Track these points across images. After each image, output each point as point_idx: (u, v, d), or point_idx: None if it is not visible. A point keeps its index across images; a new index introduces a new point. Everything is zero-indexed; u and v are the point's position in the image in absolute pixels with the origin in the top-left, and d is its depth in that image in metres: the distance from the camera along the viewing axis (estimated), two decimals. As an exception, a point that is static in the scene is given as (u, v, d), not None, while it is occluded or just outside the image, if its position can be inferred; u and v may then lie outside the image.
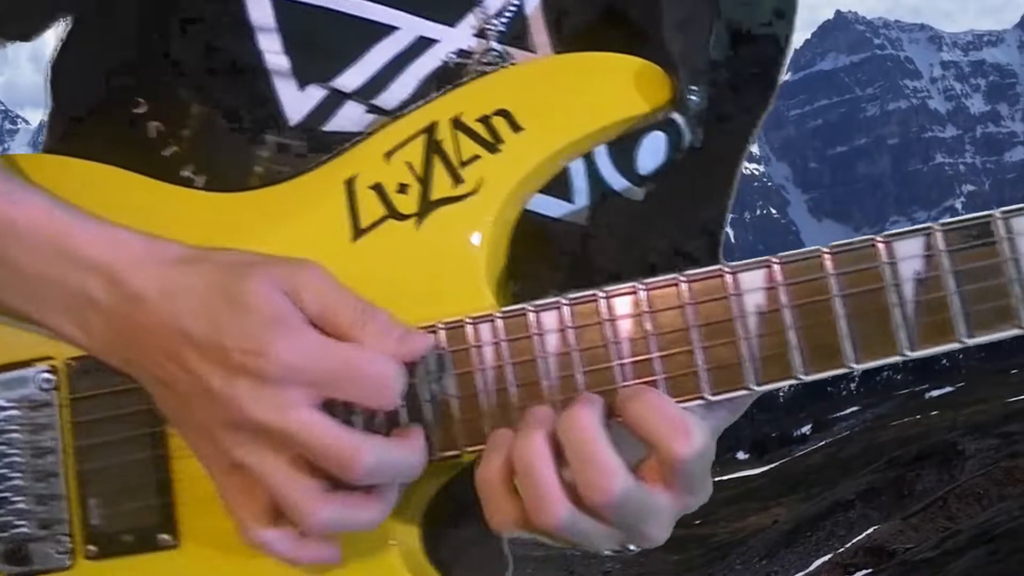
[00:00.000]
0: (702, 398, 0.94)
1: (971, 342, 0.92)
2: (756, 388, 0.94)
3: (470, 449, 0.97)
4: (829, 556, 13.79)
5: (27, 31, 1.15)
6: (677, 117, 1.05)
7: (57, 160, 1.11)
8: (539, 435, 0.91)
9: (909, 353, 0.92)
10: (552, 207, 1.12)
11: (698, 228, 1.22)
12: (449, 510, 1.05)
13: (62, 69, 1.19)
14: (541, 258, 1.12)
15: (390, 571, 1.00)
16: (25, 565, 1.03)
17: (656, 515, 0.93)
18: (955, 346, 0.92)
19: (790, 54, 1.23)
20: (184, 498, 1.02)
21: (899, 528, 13.26)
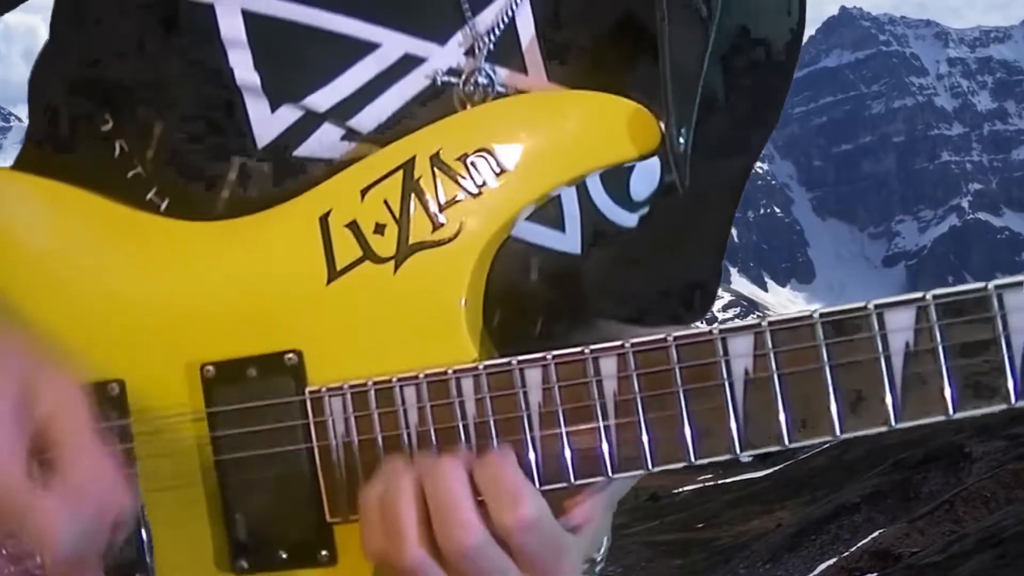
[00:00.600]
0: (687, 461, 0.95)
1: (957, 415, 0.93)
2: (740, 453, 0.94)
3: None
4: (834, 560, 13.79)
5: None
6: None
7: (22, 177, 1.10)
8: (406, 476, 0.95)
9: (895, 425, 0.92)
10: (543, 236, 1.11)
11: (689, 267, 1.24)
12: None
13: (37, 81, 1.18)
14: (527, 287, 1.13)
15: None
16: None
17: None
18: (941, 418, 0.93)
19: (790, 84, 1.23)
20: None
21: (905, 531, 13.26)
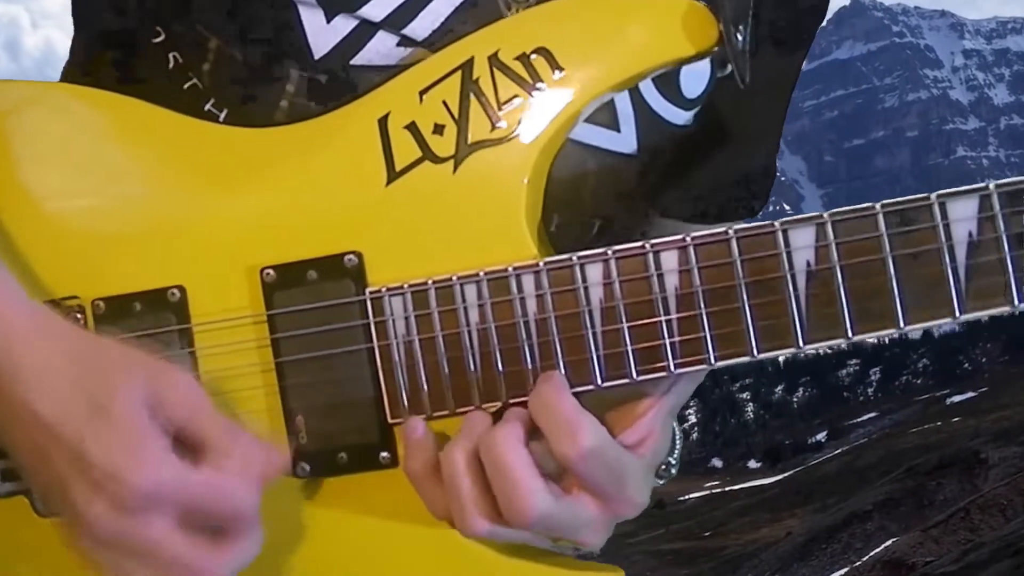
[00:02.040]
0: (751, 355, 0.99)
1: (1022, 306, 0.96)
2: (803, 347, 0.98)
3: (513, 400, 1.02)
4: (845, 570, 13.80)
5: None
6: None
7: (78, 90, 1.14)
8: (459, 448, 0.99)
9: (959, 316, 0.96)
10: (598, 137, 1.15)
11: (748, 155, 1.28)
12: None
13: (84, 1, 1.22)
14: (585, 189, 1.16)
15: (434, 520, 1.05)
16: None
17: (583, 526, 1.00)
18: (1005, 310, 0.97)
19: None
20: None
21: (919, 540, 13.22)
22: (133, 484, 0.93)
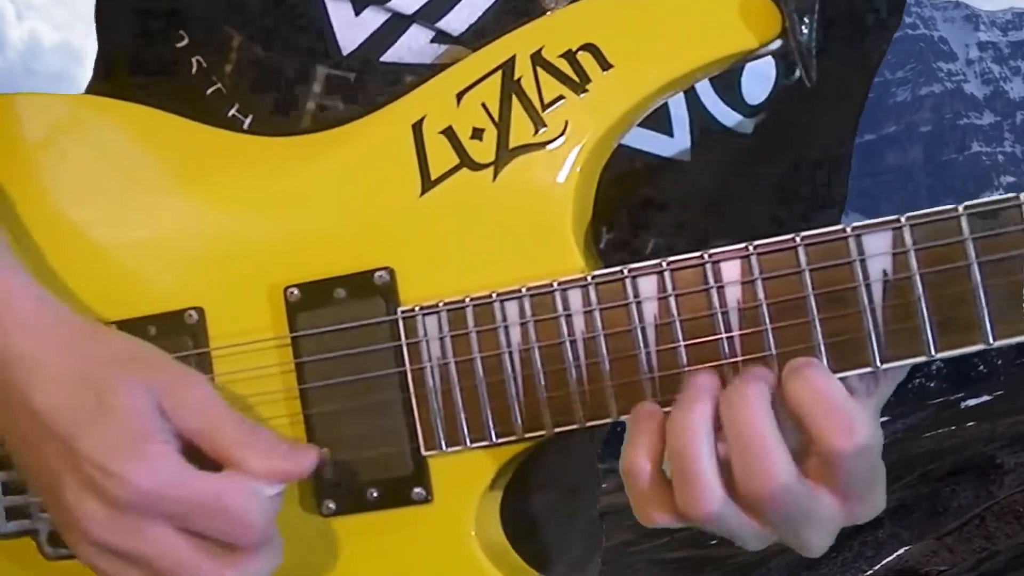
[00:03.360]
0: None
1: None
2: (880, 366, 0.92)
3: (558, 429, 0.96)
4: (856, 583, 13.79)
5: None
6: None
7: (99, 101, 1.10)
8: (697, 412, 0.88)
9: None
10: (649, 142, 1.09)
11: (814, 165, 1.20)
12: (528, 486, 1.08)
13: (106, 7, 1.18)
14: (636, 201, 1.10)
15: (472, 562, 0.99)
16: None
17: (818, 520, 0.90)
18: None
19: None
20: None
21: (932, 549, 13.24)
22: (129, 482, 0.87)
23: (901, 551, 13.86)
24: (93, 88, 1.17)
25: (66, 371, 0.90)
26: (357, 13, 1.04)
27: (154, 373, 0.91)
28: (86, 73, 1.22)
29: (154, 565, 0.88)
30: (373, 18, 1.05)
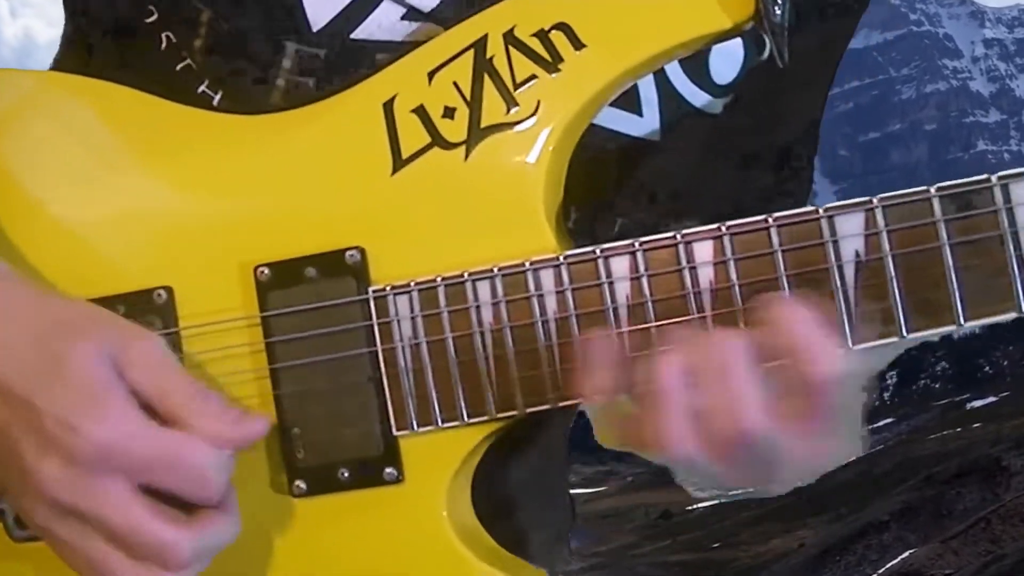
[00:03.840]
0: None
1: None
2: (852, 346, 0.93)
3: (531, 409, 0.96)
4: (861, 583, 13.80)
5: None
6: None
7: (66, 79, 1.10)
8: (673, 359, 0.89)
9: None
10: (618, 121, 1.09)
11: (781, 146, 1.21)
12: (500, 467, 1.08)
13: None
14: (605, 180, 1.11)
15: (444, 543, 1.00)
16: None
17: (787, 457, 0.91)
18: None
19: None
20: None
21: (938, 552, 13.21)
22: (88, 435, 0.87)
23: (906, 554, 13.83)
24: (60, 63, 1.17)
25: (20, 334, 0.90)
26: None
27: (107, 333, 0.91)
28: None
29: (108, 525, 0.88)
30: None
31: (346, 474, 1.01)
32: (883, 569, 14.00)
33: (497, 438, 1.02)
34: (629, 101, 1.09)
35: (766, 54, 1.04)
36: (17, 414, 0.89)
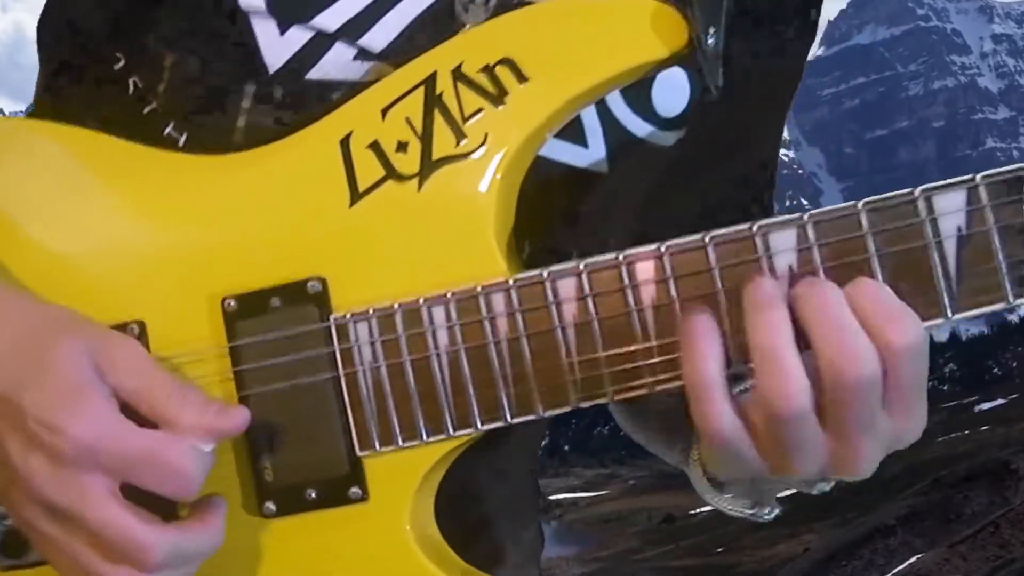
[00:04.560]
0: (730, 367, 0.98)
1: (1018, 301, 0.96)
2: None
3: (486, 427, 1.02)
4: (868, 588, 13.76)
5: None
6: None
7: (40, 125, 1.17)
8: (777, 315, 0.92)
9: (952, 315, 0.97)
10: (564, 152, 1.15)
11: (737, 180, 1.26)
12: (463, 489, 1.12)
13: (46, 28, 1.25)
14: (554, 212, 1.16)
15: (408, 557, 1.05)
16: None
17: (873, 431, 0.93)
18: (1000, 306, 0.96)
19: None
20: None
21: (945, 557, 13.15)
22: (71, 434, 0.92)
23: (913, 559, 13.79)
24: (38, 106, 1.24)
25: (6, 337, 0.96)
26: (282, 32, 1.11)
27: (89, 335, 0.97)
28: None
29: (86, 522, 0.93)
30: (298, 36, 1.11)
31: (313, 494, 1.06)
32: (890, 574, 13.96)
33: (465, 457, 1.08)
34: (574, 133, 1.15)
35: (709, 82, 1.10)
36: (2, 414, 0.94)
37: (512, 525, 1.33)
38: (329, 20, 1.10)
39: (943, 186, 0.96)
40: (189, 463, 0.95)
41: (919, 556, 13.87)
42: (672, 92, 1.18)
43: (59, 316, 1.00)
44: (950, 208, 0.95)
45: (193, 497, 0.96)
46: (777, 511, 1.11)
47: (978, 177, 0.96)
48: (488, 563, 1.24)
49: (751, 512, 1.11)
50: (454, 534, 1.09)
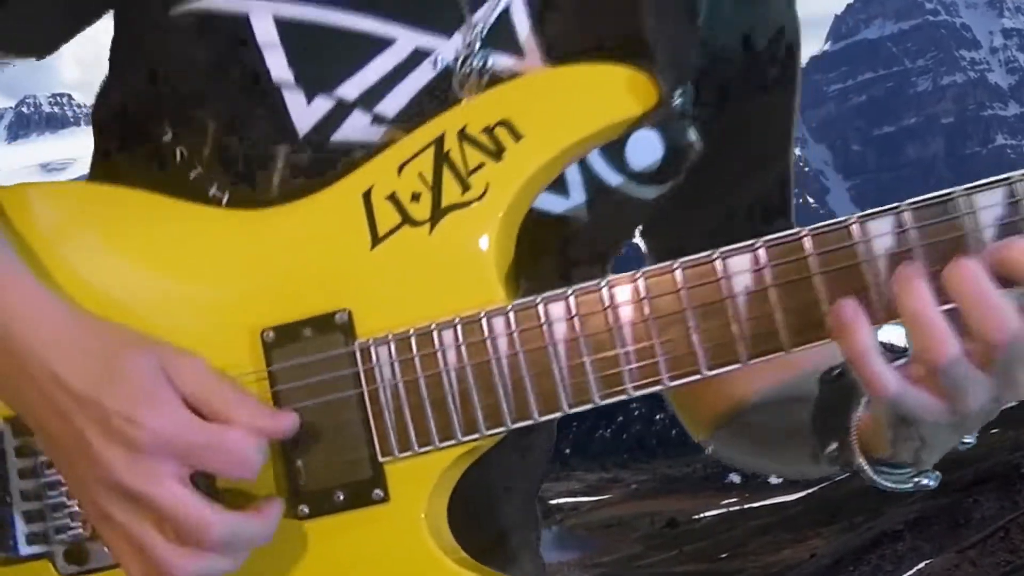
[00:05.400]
0: (699, 373, 1.18)
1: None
2: (747, 362, 1.19)
3: (490, 432, 1.21)
4: (875, 594, 13.82)
5: (36, 49, 1.45)
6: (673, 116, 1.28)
7: (102, 188, 1.37)
8: (921, 284, 1.11)
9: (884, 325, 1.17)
10: (550, 203, 1.35)
11: (744, 220, 1.47)
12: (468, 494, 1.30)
13: (102, 110, 1.46)
14: (545, 254, 1.35)
15: (423, 547, 1.24)
16: None
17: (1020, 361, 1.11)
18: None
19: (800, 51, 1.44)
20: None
21: (954, 562, 13.13)
22: (147, 426, 1.11)
23: (922, 564, 13.78)
24: (94, 174, 1.45)
25: (84, 347, 1.17)
26: (309, 102, 1.30)
27: (157, 348, 1.18)
28: (62, 63, 1.50)
29: (156, 502, 1.12)
30: (322, 105, 1.31)
31: (341, 496, 1.25)
32: (898, 580, 14.05)
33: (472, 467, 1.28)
34: (558, 184, 1.35)
35: (690, 138, 1.32)
36: (86, 412, 1.14)
37: (518, 540, 1.53)
38: (349, 90, 1.31)
39: (874, 213, 1.16)
40: (248, 448, 1.15)
41: (928, 561, 13.83)
42: (644, 146, 1.38)
43: (128, 332, 1.20)
44: (880, 231, 1.16)
45: (254, 477, 1.16)
46: (936, 478, 1.28)
47: (903, 204, 1.15)
48: (492, 548, 1.44)
49: (914, 482, 1.28)
50: (467, 546, 1.29)
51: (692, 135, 1.35)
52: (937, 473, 1.28)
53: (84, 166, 1.50)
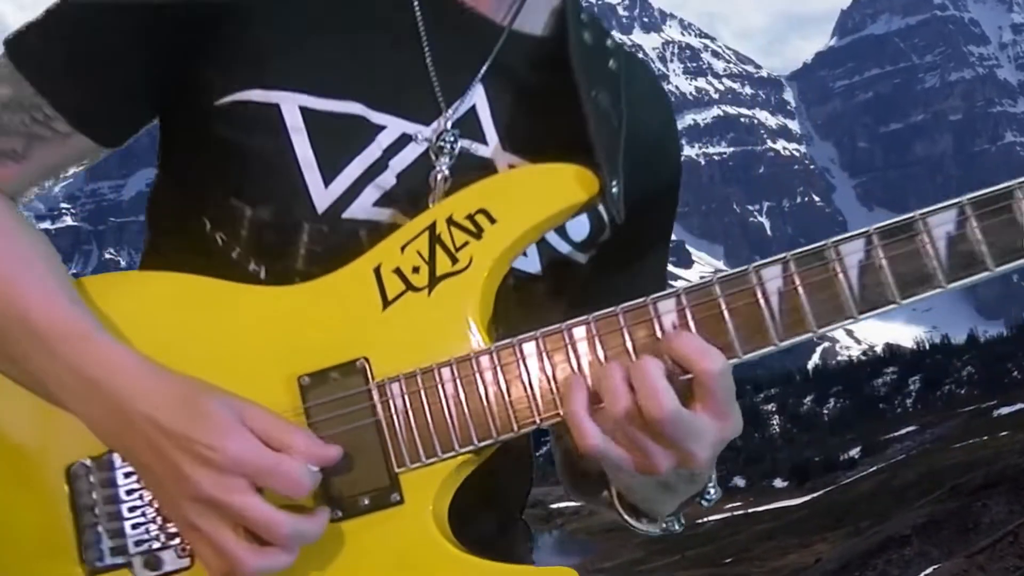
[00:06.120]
0: None
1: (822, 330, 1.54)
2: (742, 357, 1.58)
3: (482, 444, 1.60)
4: (880, 599, 13.82)
5: (116, 140, 1.74)
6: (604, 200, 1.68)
7: (162, 276, 1.75)
8: (617, 371, 1.52)
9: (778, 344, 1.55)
10: (518, 265, 1.72)
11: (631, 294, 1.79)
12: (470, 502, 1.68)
13: (155, 209, 1.86)
14: (517, 307, 1.74)
15: (431, 536, 1.61)
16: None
17: (700, 434, 1.49)
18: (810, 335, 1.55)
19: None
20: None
21: (963, 567, 12.93)
22: (227, 450, 1.45)
23: (930, 570, 13.53)
24: (145, 263, 1.81)
25: (171, 395, 1.51)
26: (326, 185, 1.65)
27: (227, 396, 1.52)
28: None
29: (234, 509, 1.45)
30: (336, 186, 1.65)
31: (366, 501, 1.62)
32: (905, 586, 13.94)
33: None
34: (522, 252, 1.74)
35: (609, 216, 1.75)
36: (174, 443, 1.48)
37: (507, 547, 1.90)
38: (354, 169, 1.66)
39: (765, 262, 1.56)
40: (301, 474, 1.50)
41: (936, 567, 13.51)
42: (577, 223, 1.79)
43: (202, 383, 1.54)
44: (770, 276, 1.55)
45: (304, 497, 1.52)
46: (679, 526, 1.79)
47: (789, 255, 1.56)
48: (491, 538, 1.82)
49: (662, 528, 1.81)
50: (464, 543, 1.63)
51: (606, 215, 1.78)
52: (682, 520, 1.81)
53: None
